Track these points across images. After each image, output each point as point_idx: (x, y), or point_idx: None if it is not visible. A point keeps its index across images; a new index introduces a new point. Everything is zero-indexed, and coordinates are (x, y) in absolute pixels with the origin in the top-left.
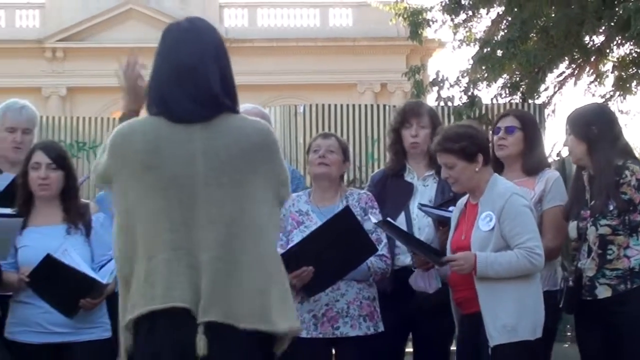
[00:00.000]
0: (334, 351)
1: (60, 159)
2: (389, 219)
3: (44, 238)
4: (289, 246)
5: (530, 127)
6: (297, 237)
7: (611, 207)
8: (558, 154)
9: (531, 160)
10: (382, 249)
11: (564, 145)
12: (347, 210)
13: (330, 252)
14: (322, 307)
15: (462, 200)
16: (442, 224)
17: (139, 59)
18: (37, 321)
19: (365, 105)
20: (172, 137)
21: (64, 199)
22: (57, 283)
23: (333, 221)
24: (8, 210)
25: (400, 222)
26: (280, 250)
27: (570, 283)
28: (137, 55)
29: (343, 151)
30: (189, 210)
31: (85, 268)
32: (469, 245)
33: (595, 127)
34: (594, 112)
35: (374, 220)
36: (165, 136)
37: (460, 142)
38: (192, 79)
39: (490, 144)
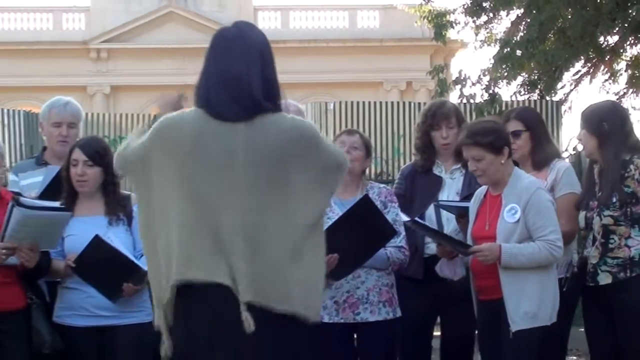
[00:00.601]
0: (355, 336)
1: (97, 156)
2: (416, 218)
3: (88, 227)
4: None
5: (534, 126)
6: None
7: (614, 199)
8: (574, 149)
9: (539, 156)
10: (401, 241)
11: (578, 139)
12: (365, 198)
13: (353, 239)
14: (344, 294)
15: (480, 192)
16: (461, 216)
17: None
18: (82, 305)
19: (392, 103)
20: (216, 130)
21: (104, 192)
22: (102, 267)
23: (354, 209)
24: (57, 204)
25: (430, 213)
26: None
27: (575, 269)
28: (181, 94)
29: (366, 147)
30: (227, 196)
31: (127, 254)
32: (494, 235)
33: (606, 123)
34: (606, 109)
35: (404, 218)
36: (210, 129)
37: (488, 136)
38: (237, 85)
39: None
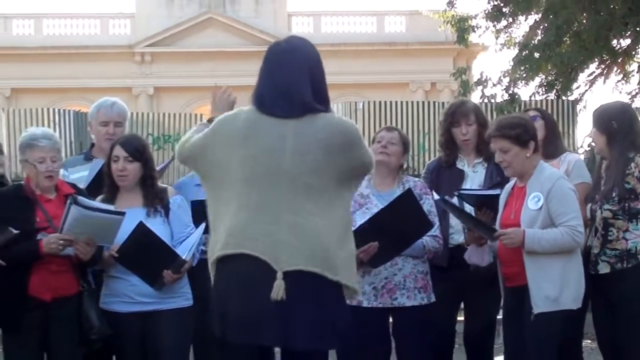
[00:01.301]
0: (390, 319)
1: (137, 153)
2: (446, 197)
3: (128, 219)
4: (357, 225)
5: (549, 117)
6: (359, 218)
7: (614, 194)
8: (589, 145)
9: (550, 147)
10: (435, 231)
11: (589, 136)
12: (409, 192)
13: (392, 229)
14: (382, 280)
15: (509, 185)
16: (480, 207)
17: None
18: (126, 292)
19: (417, 102)
20: (268, 122)
21: (143, 186)
22: (143, 255)
23: (397, 202)
24: (112, 207)
25: (453, 203)
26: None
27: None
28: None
29: (403, 143)
30: (276, 178)
31: (167, 242)
32: (519, 223)
33: (615, 122)
34: (616, 109)
35: (436, 196)
36: (262, 120)
37: (515, 129)
38: (288, 94)
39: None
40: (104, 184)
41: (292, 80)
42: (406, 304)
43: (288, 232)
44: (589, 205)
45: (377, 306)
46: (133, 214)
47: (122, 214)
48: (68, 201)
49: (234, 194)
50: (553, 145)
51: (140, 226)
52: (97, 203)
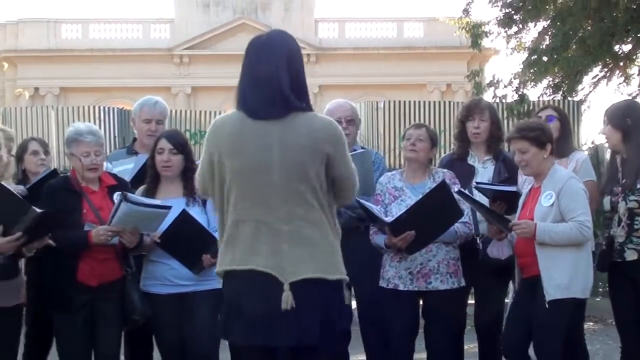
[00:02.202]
0: (421, 302)
1: (179, 146)
2: (464, 190)
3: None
4: (397, 215)
5: (564, 118)
6: (394, 209)
7: (638, 185)
8: (593, 142)
9: (563, 145)
10: (465, 217)
11: (601, 133)
12: (443, 183)
13: (427, 218)
14: (417, 266)
15: (527, 188)
16: (495, 200)
17: None
18: (164, 276)
19: (434, 102)
20: (253, 130)
21: (184, 177)
22: (184, 241)
23: (432, 193)
24: (159, 202)
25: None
26: (390, 219)
27: (604, 247)
28: None
29: (431, 139)
30: (268, 189)
31: (207, 227)
32: (533, 219)
33: (630, 119)
34: (629, 107)
35: (455, 188)
36: (247, 129)
37: (534, 131)
38: (268, 84)
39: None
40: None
41: (270, 70)
42: (439, 287)
43: (287, 242)
44: (608, 197)
45: (413, 289)
46: (174, 203)
47: (169, 207)
48: (118, 198)
49: (232, 209)
50: (565, 144)
51: (183, 213)
52: (145, 199)
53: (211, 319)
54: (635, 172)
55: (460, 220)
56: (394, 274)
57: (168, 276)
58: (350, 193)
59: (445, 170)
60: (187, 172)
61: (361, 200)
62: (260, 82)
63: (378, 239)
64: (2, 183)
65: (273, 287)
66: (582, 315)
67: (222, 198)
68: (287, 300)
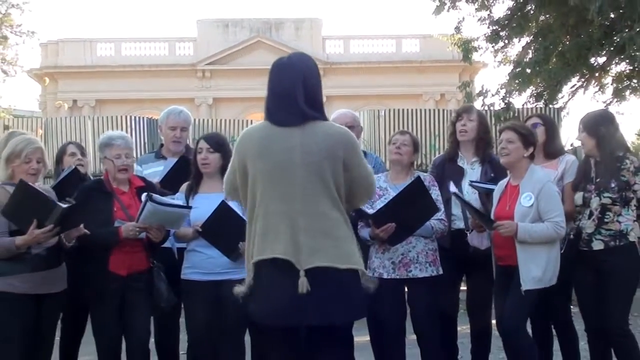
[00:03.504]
0: (406, 289)
1: (217, 145)
2: (457, 192)
3: (209, 202)
4: (377, 208)
5: (549, 124)
6: (378, 206)
7: (613, 185)
8: (571, 145)
9: (550, 149)
10: (441, 215)
11: (578, 139)
12: (418, 179)
13: (406, 213)
14: (399, 256)
15: (502, 183)
16: (487, 196)
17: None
18: (203, 265)
19: (429, 110)
20: (277, 135)
21: (222, 173)
22: (223, 230)
23: (408, 189)
24: (181, 202)
25: (441, 199)
26: (371, 211)
27: (572, 236)
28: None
29: (414, 144)
30: (290, 187)
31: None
32: (512, 215)
33: (603, 127)
34: (602, 117)
35: (453, 189)
36: (272, 134)
37: (525, 130)
38: (287, 99)
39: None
40: (176, 177)
41: (288, 87)
42: (419, 275)
43: (304, 235)
44: (580, 193)
45: (395, 277)
46: (214, 197)
47: (189, 207)
48: (145, 198)
49: (257, 205)
50: (553, 147)
51: (223, 204)
52: (168, 199)
53: (241, 305)
54: (610, 173)
55: (436, 217)
56: (379, 264)
57: (206, 265)
58: (370, 190)
59: (426, 174)
60: (225, 169)
61: None
62: (281, 96)
63: (364, 232)
64: (32, 185)
65: (291, 273)
66: (566, 296)
67: (249, 196)
68: (302, 285)
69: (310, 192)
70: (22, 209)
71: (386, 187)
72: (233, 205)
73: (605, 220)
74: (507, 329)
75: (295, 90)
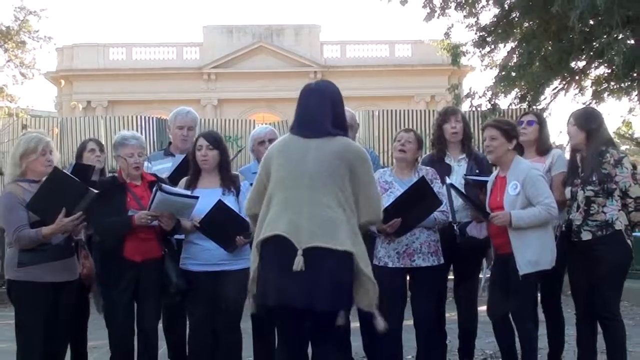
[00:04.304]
0: (408, 277)
1: (215, 142)
2: (453, 184)
3: (208, 196)
4: (385, 206)
5: (543, 122)
6: (385, 200)
7: (594, 178)
8: (554, 142)
9: (542, 145)
10: (443, 207)
11: (567, 133)
12: (423, 179)
13: (411, 208)
14: (403, 246)
15: (493, 176)
16: (481, 188)
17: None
18: (201, 256)
19: (420, 111)
20: (297, 141)
21: (220, 170)
22: (220, 225)
23: (414, 187)
24: (189, 192)
25: (443, 191)
26: None
27: (563, 228)
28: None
29: (418, 141)
30: (299, 181)
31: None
32: (502, 205)
33: (593, 123)
34: (592, 113)
35: (448, 181)
36: (293, 140)
37: (506, 125)
38: (314, 121)
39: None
40: (184, 173)
41: (317, 111)
42: (422, 264)
43: (307, 220)
44: (569, 188)
45: (400, 266)
46: (212, 193)
47: (196, 197)
48: (155, 187)
49: (270, 193)
50: (544, 144)
51: (220, 202)
52: (177, 189)
53: (239, 293)
54: (592, 167)
55: (439, 209)
56: (385, 254)
57: (204, 256)
58: (373, 212)
59: (428, 168)
60: (223, 166)
61: None
62: (307, 118)
63: (371, 226)
64: (64, 170)
65: (290, 252)
66: (558, 283)
67: (266, 198)
68: (298, 262)
69: (317, 185)
70: (50, 199)
71: (392, 182)
72: (230, 201)
73: (591, 212)
74: (514, 316)
75: (322, 114)
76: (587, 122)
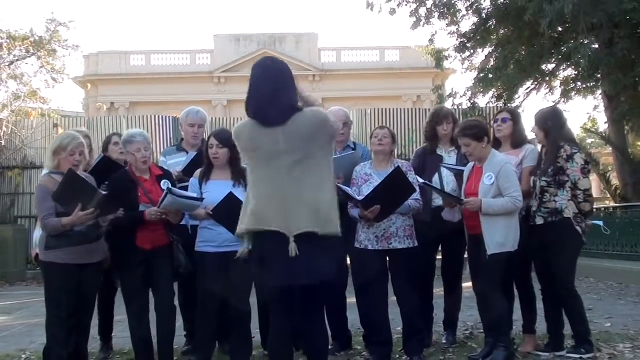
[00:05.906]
0: (388, 259)
1: (225, 141)
2: (426, 182)
3: (220, 188)
4: (366, 194)
5: (517, 118)
6: (365, 189)
7: (549, 171)
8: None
9: (516, 140)
10: (417, 195)
11: (532, 132)
12: (398, 169)
13: (389, 195)
14: (382, 231)
15: (470, 166)
16: (458, 176)
17: None
18: (214, 239)
19: (407, 109)
20: (264, 133)
21: (231, 165)
22: (231, 213)
23: (391, 177)
24: (195, 195)
25: (436, 179)
26: (361, 197)
27: (524, 213)
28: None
29: (392, 137)
30: (279, 172)
31: None
32: (477, 193)
33: (550, 121)
34: (550, 112)
35: (421, 181)
36: (260, 136)
37: (472, 129)
38: (278, 96)
39: (491, 130)
40: (195, 167)
41: (279, 87)
42: (398, 247)
43: (292, 204)
44: (532, 177)
45: (378, 249)
46: (224, 184)
47: (201, 200)
48: (165, 191)
49: (251, 183)
50: (519, 138)
51: (231, 194)
52: (185, 192)
53: (247, 270)
54: (550, 161)
55: (413, 197)
56: (365, 238)
57: (217, 239)
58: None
59: (404, 161)
60: (233, 161)
61: (340, 185)
62: (267, 98)
63: (353, 212)
64: (79, 174)
65: (283, 241)
66: (526, 265)
67: (248, 175)
68: (292, 249)
69: (294, 164)
70: (69, 194)
71: (371, 173)
72: (239, 193)
73: (544, 200)
74: (481, 289)
75: (287, 89)
76: (544, 121)
